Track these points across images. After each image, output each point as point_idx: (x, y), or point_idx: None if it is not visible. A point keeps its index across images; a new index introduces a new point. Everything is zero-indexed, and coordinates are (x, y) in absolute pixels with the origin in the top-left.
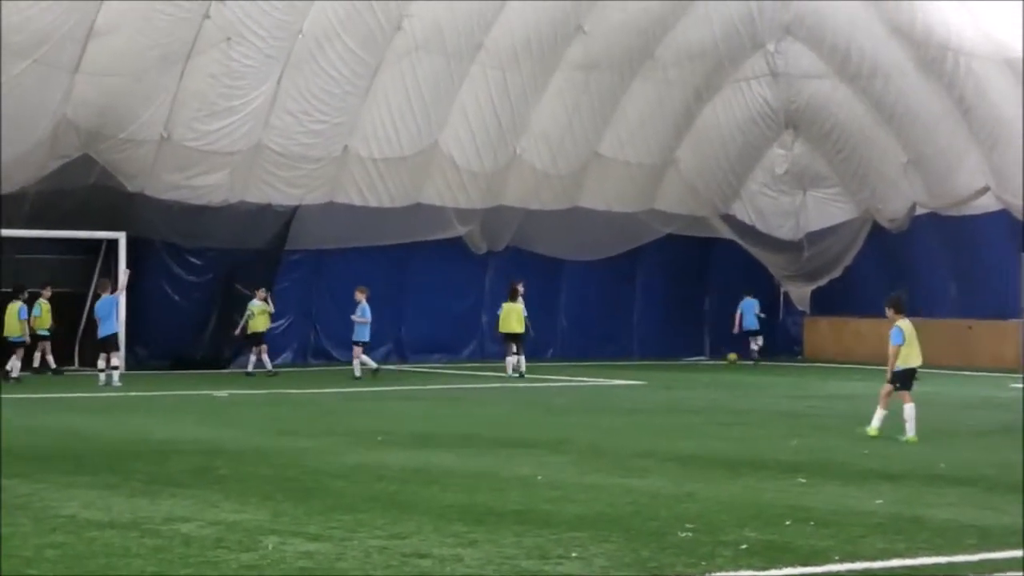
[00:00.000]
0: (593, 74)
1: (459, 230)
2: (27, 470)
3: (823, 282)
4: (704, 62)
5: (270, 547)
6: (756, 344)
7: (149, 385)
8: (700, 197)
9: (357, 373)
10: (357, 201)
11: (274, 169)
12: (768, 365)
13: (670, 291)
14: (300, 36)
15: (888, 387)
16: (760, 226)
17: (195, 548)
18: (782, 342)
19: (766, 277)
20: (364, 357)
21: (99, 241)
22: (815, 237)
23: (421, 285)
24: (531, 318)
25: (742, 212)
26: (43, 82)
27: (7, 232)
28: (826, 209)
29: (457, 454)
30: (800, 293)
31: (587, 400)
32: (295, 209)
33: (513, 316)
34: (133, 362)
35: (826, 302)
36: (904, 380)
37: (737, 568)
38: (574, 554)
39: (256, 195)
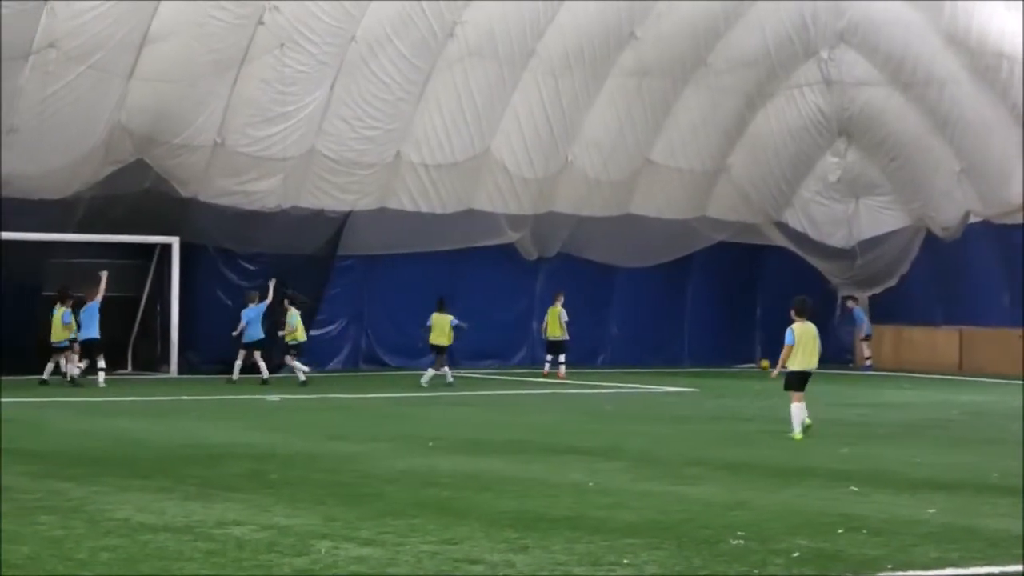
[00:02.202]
0: (645, 81)
1: (510, 236)
2: (81, 473)
3: (878, 290)
4: (757, 69)
5: (322, 551)
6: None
7: (201, 390)
8: (752, 204)
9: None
10: (409, 207)
11: (327, 175)
12: (819, 373)
13: (722, 298)
14: (353, 42)
15: (795, 394)
16: (812, 234)
17: (248, 552)
18: (834, 350)
19: (819, 285)
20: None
21: (152, 246)
22: (868, 245)
23: (472, 291)
24: (582, 325)
25: (794, 220)
26: (98, 88)
27: (61, 237)
28: (879, 217)
29: (508, 460)
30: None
31: (638, 407)
32: (347, 215)
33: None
34: (185, 367)
35: (879, 310)
36: (795, 382)
37: None
38: (626, 561)
39: (309, 201)
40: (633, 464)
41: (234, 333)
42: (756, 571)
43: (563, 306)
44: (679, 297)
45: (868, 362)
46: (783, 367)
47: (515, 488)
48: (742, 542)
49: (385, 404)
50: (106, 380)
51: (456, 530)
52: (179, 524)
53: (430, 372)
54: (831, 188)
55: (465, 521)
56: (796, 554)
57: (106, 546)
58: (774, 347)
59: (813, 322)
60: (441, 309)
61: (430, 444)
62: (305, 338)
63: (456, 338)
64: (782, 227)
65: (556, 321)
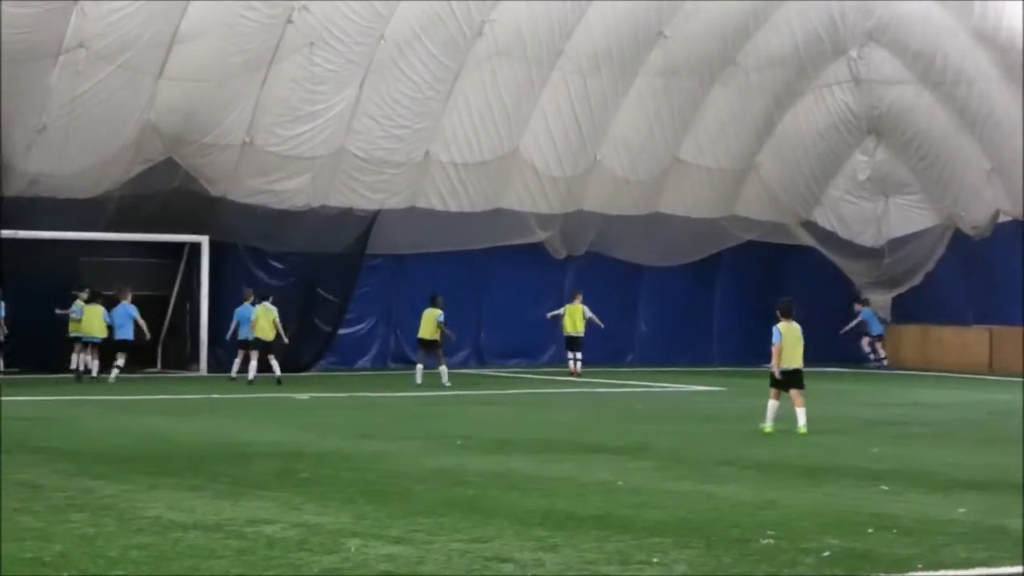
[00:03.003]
0: (674, 80)
1: (539, 235)
2: (112, 471)
3: (903, 289)
4: (785, 68)
5: (352, 549)
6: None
7: (230, 388)
8: (781, 203)
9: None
10: (438, 206)
11: (356, 174)
12: (848, 373)
13: (750, 297)
14: (382, 41)
15: (773, 389)
16: (841, 233)
17: (278, 550)
18: (863, 350)
19: (845, 285)
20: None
21: (182, 245)
22: (896, 244)
23: (500, 290)
24: (610, 324)
25: (823, 218)
26: (128, 87)
27: (92, 235)
28: (908, 216)
29: (537, 459)
30: (881, 300)
31: (667, 406)
32: (376, 214)
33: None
34: (215, 365)
35: (907, 310)
36: (787, 381)
37: None
38: (655, 560)
39: (338, 199)
40: (662, 463)
41: (227, 336)
42: (786, 570)
43: (583, 303)
44: (707, 296)
45: (884, 361)
46: (778, 366)
47: (544, 487)
48: (772, 541)
49: (414, 403)
50: (117, 378)
51: (485, 528)
52: (209, 522)
53: (442, 370)
54: (860, 187)
55: (494, 519)
56: (826, 553)
57: (137, 544)
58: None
59: (823, 321)
60: (433, 305)
61: (459, 443)
62: (271, 337)
63: (443, 337)
64: (810, 226)
65: (575, 318)
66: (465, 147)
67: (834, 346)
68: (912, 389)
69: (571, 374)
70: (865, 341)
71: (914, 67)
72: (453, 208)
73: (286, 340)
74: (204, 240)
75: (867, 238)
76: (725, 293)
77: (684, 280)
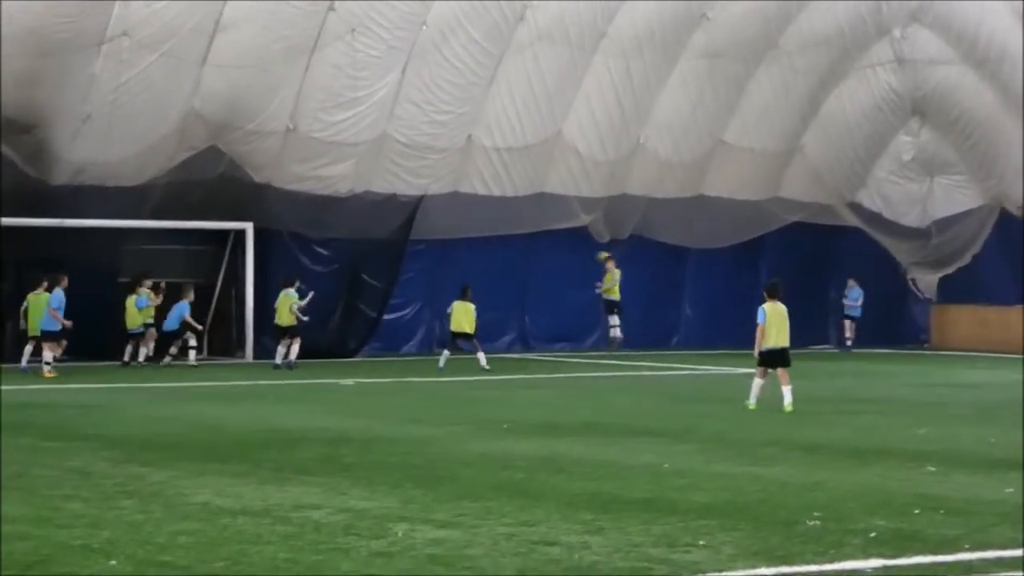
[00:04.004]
0: (717, 62)
1: (583, 219)
2: (160, 458)
3: (951, 270)
4: (829, 49)
5: (399, 534)
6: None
7: (276, 374)
8: (826, 185)
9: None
10: (481, 191)
11: (399, 159)
12: (895, 353)
13: (795, 279)
14: (424, 27)
15: (760, 368)
16: (887, 213)
17: (325, 535)
18: (909, 330)
19: (891, 265)
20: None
21: (227, 232)
22: (942, 224)
23: (544, 274)
24: (655, 306)
25: (868, 199)
26: (171, 75)
27: (136, 223)
28: (953, 196)
29: (583, 442)
30: (928, 281)
31: (712, 388)
32: (420, 199)
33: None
34: (260, 352)
35: (953, 290)
36: (773, 359)
37: (867, 557)
38: (702, 542)
39: (381, 185)
40: (708, 445)
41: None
42: (833, 551)
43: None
44: (752, 278)
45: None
46: (761, 346)
47: (590, 470)
48: (818, 523)
49: (459, 387)
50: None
51: (532, 512)
52: (257, 508)
53: (480, 356)
54: (905, 168)
55: (541, 503)
56: (873, 534)
57: (185, 530)
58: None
59: (869, 303)
60: (464, 297)
61: (505, 427)
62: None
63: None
64: (856, 207)
65: (613, 281)
66: (508, 131)
67: (882, 327)
68: (956, 370)
69: (613, 341)
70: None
71: (958, 46)
72: (496, 193)
73: (304, 317)
74: (249, 227)
75: (912, 219)
76: (770, 275)
77: (729, 262)
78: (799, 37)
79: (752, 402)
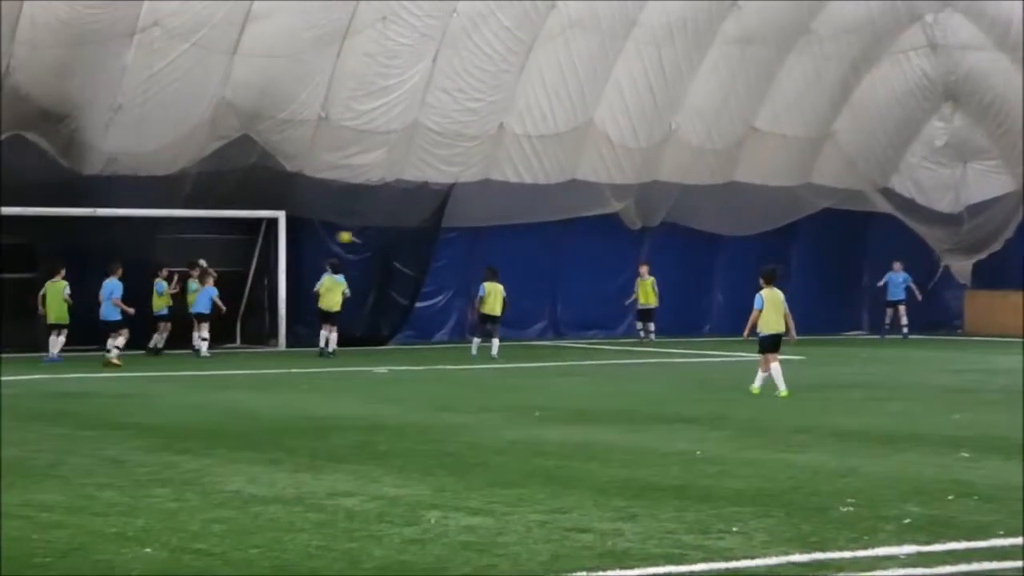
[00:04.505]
0: (749, 49)
1: (614, 206)
2: (193, 446)
3: (983, 255)
4: (861, 35)
5: (432, 521)
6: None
7: (309, 363)
8: (858, 171)
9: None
10: (513, 178)
11: (430, 147)
12: (927, 339)
13: (827, 265)
14: (455, 14)
15: (764, 357)
16: (919, 199)
17: (358, 522)
18: (942, 316)
19: (924, 251)
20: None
21: (259, 220)
22: (975, 210)
23: (576, 262)
24: (687, 294)
25: (901, 185)
26: (202, 64)
27: (169, 213)
28: (986, 181)
29: (615, 430)
30: (961, 266)
31: (744, 376)
32: (451, 187)
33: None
34: (293, 340)
35: (986, 276)
36: (768, 345)
37: (900, 543)
38: (735, 529)
39: (413, 173)
40: (740, 432)
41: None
42: (866, 538)
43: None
44: (784, 264)
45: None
46: (752, 330)
47: (622, 457)
48: (852, 509)
49: (491, 375)
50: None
51: (565, 499)
52: (290, 495)
53: (489, 341)
54: (937, 153)
55: (573, 490)
56: (907, 521)
57: (218, 518)
58: (880, 314)
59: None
60: (493, 278)
61: (537, 414)
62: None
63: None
64: (888, 193)
65: (648, 290)
66: (539, 119)
67: (915, 313)
68: (989, 355)
69: (645, 343)
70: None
71: (991, 32)
72: (528, 180)
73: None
74: (281, 215)
75: (945, 204)
76: (802, 261)
77: (760, 249)
78: (831, 23)
79: (783, 389)
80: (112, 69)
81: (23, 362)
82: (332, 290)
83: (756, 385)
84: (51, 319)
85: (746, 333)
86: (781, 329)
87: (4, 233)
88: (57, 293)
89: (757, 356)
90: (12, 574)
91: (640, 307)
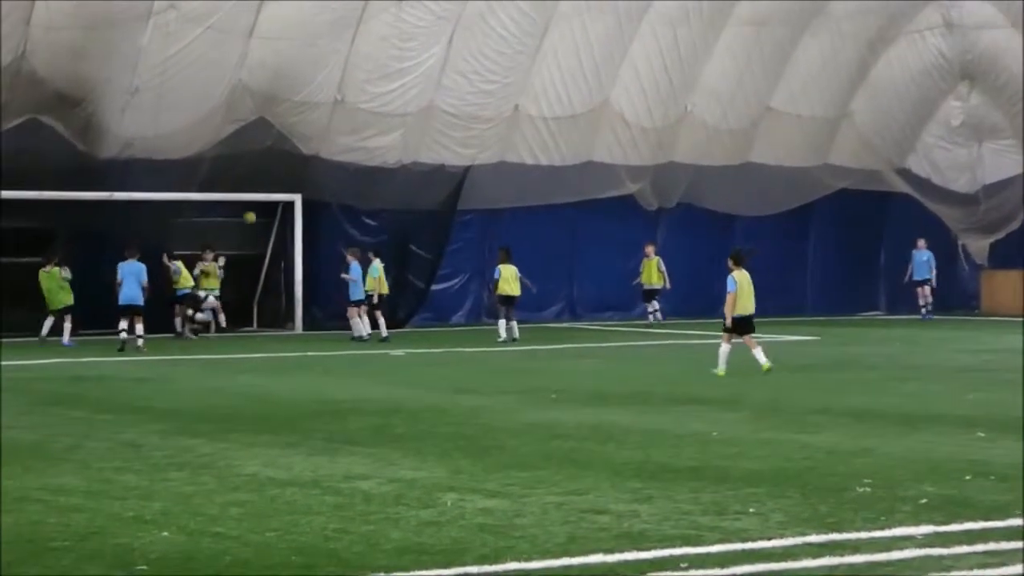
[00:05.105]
0: (764, 29)
1: (630, 187)
2: (210, 430)
3: (1001, 235)
4: (877, 15)
5: (449, 504)
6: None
7: (326, 346)
8: (875, 151)
9: (355, 333)
10: (528, 160)
11: (446, 130)
12: (944, 319)
13: (844, 246)
14: None
15: (727, 335)
16: (936, 179)
17: (375, 505)
18: (959, 296)
19: (942, 230)
20: (359, 319)
21: (275, 204)
22: (992, 189)
23: (592, 243)
24: (703, 275)
25: (918, 165)
26: (218, 47)
27: (185, 196)
28: (1003, 161)
29: (631, 411)
30: (978, 246)
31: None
32: (467, 169)
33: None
34: (309, 323)
35: (1004, 255)
36: (741, 326)
37: (918, 523)
38: (751, 509)
39: (429, 156)
40: (756, 413)
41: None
42: (883, 518)
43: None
44: (801, 245)
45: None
46: (732, 313)
47: (638, 439)
48: (868, 489)
49: (508, 357)
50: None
51: (581, 481)
52: (307, 479)
53: (507, 324)
54: (954, 133)
55: (590, 472)
56: (924, 501)
57: (236, 501)
58: (897, 294)
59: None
60: (507, 260)
61: (553, 396)
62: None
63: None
64: (905, 173)
65: (653, 270)
66: (555, 100)
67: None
68: (1006, 335)
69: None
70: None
71: (1007, 11)
72: (543, 162)
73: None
74: (297, 199)
75: (962, 184)
76: (819, 242)
77: (777, 230)
78: (847, 3)
79: (722, 368)
80: (128, 52)
81: (40, 346)
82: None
83: (762, 361)
84: (52, 306)
85: (729, 321)
86: (752, 310)
87: (20, 217)
88: (52, 281)
89: (722, 337)
90: (31, 557)
91: (644, 287)
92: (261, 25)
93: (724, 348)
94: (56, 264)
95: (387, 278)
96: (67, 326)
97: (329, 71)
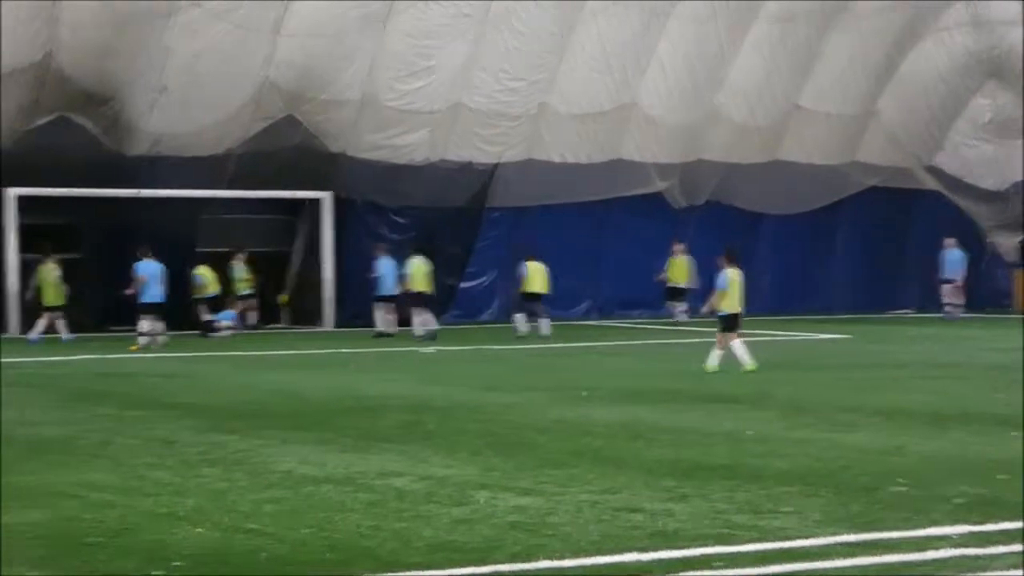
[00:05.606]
0: (790, 27)
1: (658, 185)
2: (243, 426)
3: None
4: (904, 12)
5: (481, 501)
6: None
7: (356, 343)
8: (903, 148)
9: (380, 328)
10: (556, 158)
11: (473, 127)
12: (975, 317)
13: (873, 243)
14: None
15: (728, 334)
16: (965, 176)
17: (408, 502)
18: (990, 294)
19: (970, 228)
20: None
21: (302, 201)
22: (1021, 187)
23: (620, 241)
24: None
25: (946, 163)
26: (245, 44)
27: (213, 193)
28: None
29: (662, 409)
30: (1008, 244)
31: (791, 355)
32: (495, 167)
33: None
34: (340, 320)
35: None
36: (729, 323)
37: (954, 523)
38: (785, 509)
39: (456, 153)
40: (787, 412)
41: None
42: (918, 517)
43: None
44: (829, 243)
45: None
46: (717, 308)
47: (670, 437)
48: (903, 489)
49: (538, 355)
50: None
51: (614, 479)
52: (340, 475)
53: (538, 321)
54: (982, 130)
55: (623, 470)
56: (958, 500)
57: (269, 498)
58: (927, 292)
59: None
60: (534, 257)
61: (584, 394)
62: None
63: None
64: (933, 171)
65: (680, 269)
66: (582, 97)
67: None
68: None
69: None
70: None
71: None
72: (571, 160)
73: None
74: (326, 196)
75: (991, 181)
76: (847, 240)
77: (806, 228)
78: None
79: (750, 363)
80: (155, 50)
81: (70, 342)
82: (418, 271)
83: (715, 363)
84: (47, 302)
85: (707, 310)
86: (741, 309)
87: (49, 214)
88: (49, 275)
89: (718, 335)
90: (66, 553)
91: (670, 285)
92: (288, 22)
93: (737, 344)
94: (56, 261)
95: (423, 276)
96: (62, 322)
97: (356, 68)
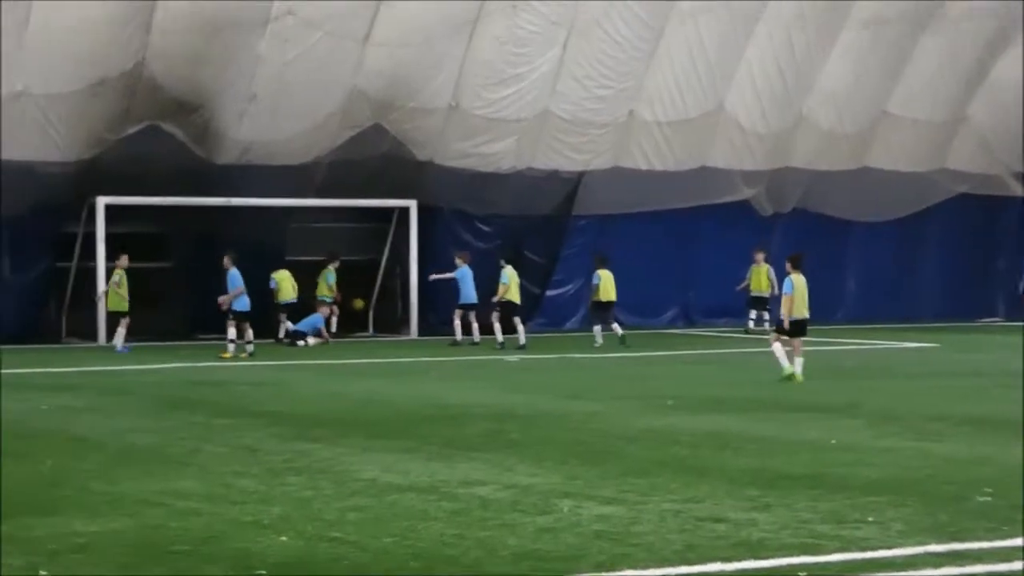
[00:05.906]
0: (881, 31)
1: (745, 193)
2: (327, 434)
3: None
4: (996, 15)
5: (565, 510)
6: None
7: (441, 351)
8: (992, 155)
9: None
10: (643, 165)
11: (560, 135)
12: None
13: (962, 251)
14: (584, 1)
15: (783, 336)
16: None
17: (492, 511)
18: None
19: None
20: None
21: (391, 209)
22: None
23: (707, 249)
24: (819, 280)
25: None
26: (335, 53)
27: (302, 202)
28: None
29: (747, 418)
30: None
31: (878, 363)
32: (581, 175)
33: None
34: (425, 328)
35: None
36: (795, 329)
37: None
38: (870, 518)
39: (543, 162)
40: (874, 420)
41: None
42: (1005, 528)
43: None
44: (918, 251)
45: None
46: (789, 315)
47: (754, 446)
48: (989, 499)
49: (622, 363)
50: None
51: (698, 488)
52: (424, 484)
53: (608, 327)
54: None
55: (706, 479)
56: None
57: (354, 506)
58: (1014, 299)
59: None
60: (604, 265)
61: (669, 403)
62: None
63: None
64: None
65: (763, 277)
66: (669, 105)
67: None
68: None
69: (752, 333)
70: None
71: None
72: (658, 167)
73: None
74: (413, 204)
75: None
76: (936, 247)
77: (894, 235)
78: (963, 4)
79: (788, 368)
80: (246, 58)
81: (161, 350)
82: (513, 280)
83: (798, 371)
84: (110, 307)
85: (786, 322)
86: (808, 315)
87: (138, 222)
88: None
89: (771, 337)
90: (152, 560)
91: (753, 294)
92: (377, 30)
93: (777, 347)
94: (122, 267)
95: (517, 286)
96: (121, 331)
97: (444, 77)
